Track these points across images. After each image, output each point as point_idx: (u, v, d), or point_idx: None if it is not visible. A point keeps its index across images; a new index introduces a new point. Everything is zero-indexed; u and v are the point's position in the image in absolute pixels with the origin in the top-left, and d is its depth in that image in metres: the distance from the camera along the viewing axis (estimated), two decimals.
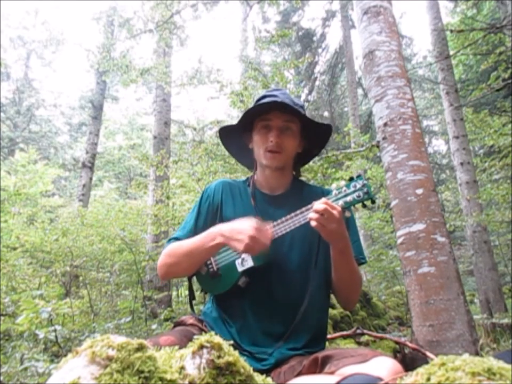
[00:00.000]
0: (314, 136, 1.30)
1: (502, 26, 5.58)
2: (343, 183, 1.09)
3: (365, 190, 1.06)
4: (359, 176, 1.09)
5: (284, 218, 1.12)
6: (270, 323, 1.13)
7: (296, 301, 1.13)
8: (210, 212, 1.28)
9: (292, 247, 1.18)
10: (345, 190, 1.08)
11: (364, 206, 1.09)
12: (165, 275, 1.24)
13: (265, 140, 1.21)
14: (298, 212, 1.11)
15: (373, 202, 1.09)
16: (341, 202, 1.06)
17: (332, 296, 1.27)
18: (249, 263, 1.13)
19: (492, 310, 5.52)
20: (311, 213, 1.04)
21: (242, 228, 1.06)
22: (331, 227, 1.01)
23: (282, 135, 1.21)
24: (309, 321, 1.14)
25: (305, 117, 1.24)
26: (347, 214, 1.09)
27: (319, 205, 1.02)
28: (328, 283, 1.21)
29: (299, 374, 0.96)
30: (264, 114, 1.23)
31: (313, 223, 1.03)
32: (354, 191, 1.07)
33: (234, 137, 1.34)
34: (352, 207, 1.09)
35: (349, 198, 1.07)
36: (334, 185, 1.11)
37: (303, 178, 1.48)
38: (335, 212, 1.01)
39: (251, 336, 1.13)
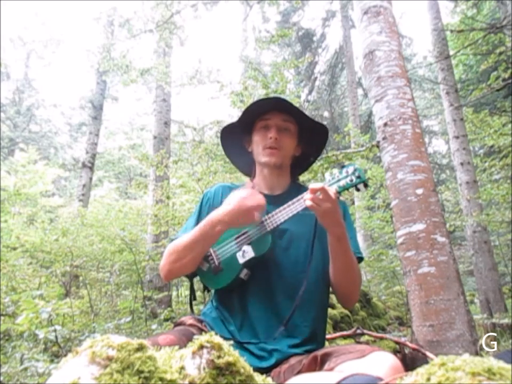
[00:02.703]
0: (311, 141, 1.35)
1: (502, 26, 5.59)
2: (335, 170, 1.14)
3: (357, 174, 1.10)
4: (350, 163, 1.14)
5: (281, 208, 1.16)
6: (270, 314, 1.15)
7: (294, 292, 1.15)
8: None
9: (291, 242, 1.21)
10: (338, 176, 1.12)
11: (357, 189, 1.12)
12: (168, 273, 1.23)
13: (264, 137, 1.26)
14: (295, 200, 1.14)
15: (366, 185, 1.12)
16: (334, 186, 1.10)
17: (332, 296, 1.27)
18: (250, 253, 1.15)
19: (491, 310, 5.52)
20: (307, 194, 1.07)
21: (236, 208, 1.10)
22: (326, 206, 1.04)
23: (281, 133, 1.26)
24: (307, 313, 1.16)
25: (303, 115, 1.28)
26: (341, 198, 1.14)
27: (314, 184, 1.06)
28: (326, 280, 1.22)
29: (299, 373, 0.97)
30: (263, 114, 1.27)
31: (308, 202, 1.05)
32: (346, 176, 1.11)
33: (235, 140, 1.38)
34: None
35: (342, 183, 1.11)
36: (327, 173, 1.16)
37: (302, 179, 1.50)
38: (330, 192, 1.05)
39: (251, 331, 1.14)
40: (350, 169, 1.10)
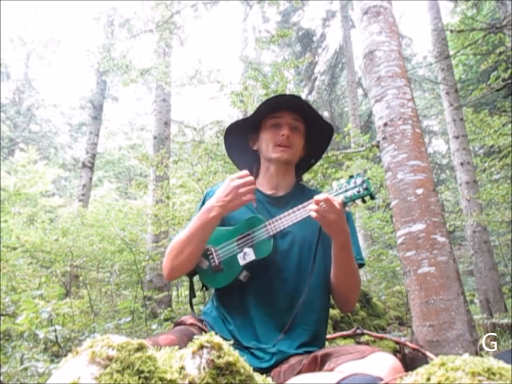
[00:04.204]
0: (315, 142, 1.35)
1: (502, 26, 5.58)
2: (343, 180, 1.13)
3: (364, 186, 1.09)
4: (358, 174, 1.12)
5: (285, 213, 1.15)
6: (270, 317, 1.14)
7: (296, 296, 1.15)
8: None
9: (293, 245, 1.20)
10: (345, 186, 1.11)
11: (364, 201, 1.11)
12: (170, 271, 1.22)
13: (275, 135, 1.26)
14: (300, 206, 1.13)
15: (372, 198, 1.11)
16: (341, 197, 1.09)
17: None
18: (251, 256, 1.15)
19: (491, 310, 5.52)
20: (311, 204, 1.06)
21: (225, 190, 1.13)
22: (331, 217, 1.04)
23: (292, 132, 1.26)
24: (308, 317, 1.15)
25: (313, 114, 1.28)
26: (347, 209, 1.12)
27: (319, 195, 1.05)
28: (327, 283, 1.22)
29: (299, 373, 0.97)
30: (273, 112, 1.28)
31: (313, 214, 1.05)
32: (354, 187, 1.09)
33: (238, 139, 1.37)
34: (351, 208, 1.11)
35: (349, 194, 1.10)
36: (334, 182, 1.14)
37: (303, 179, 1.50)
38: (335, 203, 1.04)
39: (251, 332, 1.13)
40: (358, 180, 1.09)
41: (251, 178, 1.13)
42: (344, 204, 1.08)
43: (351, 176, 1.11)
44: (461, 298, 2.30)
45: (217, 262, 1.20)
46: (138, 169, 16.89)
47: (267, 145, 1.28)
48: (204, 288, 1.29)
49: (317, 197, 1.05)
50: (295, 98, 1.26)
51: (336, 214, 1.04)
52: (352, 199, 1.09)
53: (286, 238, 1.20)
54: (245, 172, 1.15)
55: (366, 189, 1.08)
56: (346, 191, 1.10)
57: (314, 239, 1.18)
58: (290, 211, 1.14)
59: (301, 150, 1.32)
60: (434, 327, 2.26)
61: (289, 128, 1.26)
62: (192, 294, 1.33)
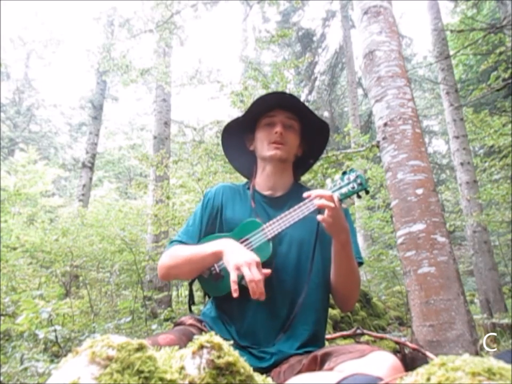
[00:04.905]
0: (312, 142, 1.36)
1: (502, 26, 5.59)
2: (337, 177, 1.13)
3: (359, 181, 1.09)
4: (351, 169, 1.12)
5: (282, 215, 1.15)
6: (270, 320, 1.14)
7: (295, 296, 1.15)
8: (211, 215, 1.30)
9: (291, 247, 1.20)
10: (339, 183, 1.11)
11: (359, 196, 1.11)
12: (165, 276, 1.25)
13: (269, 133, 1.27)
14: (296, 207, 1.13)
15: (367, 192, 1.11)
16: (336, 194, 1.09)
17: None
18: None
19: (491, 310, 5.52)
20: (316, 199, 1.06)
21: (240, 259, 1.04)
22: (330, 215, 1.04)
23: (286, 129, 1.27)
24: (307, 317, 1.15)
25: (305, 110, 1.29)
26: (343, 205, 1.12)
27: (318, 191, 1.06)
28: (326, 283, 1.22)
29: (299, 373, 0.97)
30: (267, 111, 1.28)
31: (320, 217, 1.05)
32: (348, 183, 1.10)
33: (235, 140, 1.38)
34: (351, 208, 1.11)
35: (344, 190, 1.10)
36: (328, 180, 1.14)
37: (302, 179, 1.50)
38: (331, 204, 1.04)
39: (251, 335, 1.14)
40: (352, 176, 1.09)
41: (261, 284, 1.02)
42: (340, 201, 1.08)
43: (344, 173, 1.11)
44: (461, 298, 2.30)
45: (217, 269, 1.19)
46: (138, 169, 16.90)
47: (262, 144, 1.29)
48: (207, 297, 1.29)
49: (313, 195, 1.06)
50: (285, 96, 1.27)
51: (335, 212, 1.04)
52: (347, 195, 1.09)
53: (284, 240, 1.20)
54: (268, 270, 1.06)
55: (360, 184, 1.08)
56: (340, 188, 1.10)
57: (312, 239, 1.18)
58: (287, 212, 1.14)
59: (296, 148, 1.32)
60: (434, 327, 2.26)
61: (283, 126, 1.26)
62: (191, 301, 1.33)
